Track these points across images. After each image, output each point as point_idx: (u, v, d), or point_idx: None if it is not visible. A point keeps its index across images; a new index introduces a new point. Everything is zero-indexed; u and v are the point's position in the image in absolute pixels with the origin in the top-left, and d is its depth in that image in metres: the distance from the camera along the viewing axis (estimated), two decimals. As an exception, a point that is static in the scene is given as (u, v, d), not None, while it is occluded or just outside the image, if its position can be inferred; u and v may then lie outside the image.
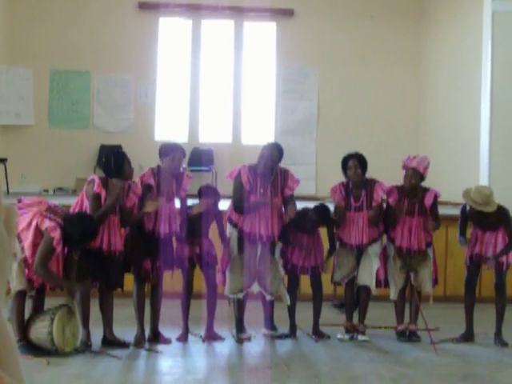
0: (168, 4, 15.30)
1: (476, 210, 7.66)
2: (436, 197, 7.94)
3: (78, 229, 6.67)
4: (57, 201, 7.66)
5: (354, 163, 7.90)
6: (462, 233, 8.00)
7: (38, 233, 6.70)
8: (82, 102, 15.21)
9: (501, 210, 7.76)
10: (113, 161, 7.20)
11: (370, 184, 7.94)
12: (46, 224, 6.66)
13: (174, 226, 7.45)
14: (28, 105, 14.99)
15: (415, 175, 7.84)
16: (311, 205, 8.04)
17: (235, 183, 7.69)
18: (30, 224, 6.73)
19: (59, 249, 6.66)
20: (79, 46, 15.17)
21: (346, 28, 15.93)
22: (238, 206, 7.62)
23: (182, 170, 7.77)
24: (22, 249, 6.70)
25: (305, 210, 7.89)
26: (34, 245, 6.68)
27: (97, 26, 15.29)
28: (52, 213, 6.77)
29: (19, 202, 7.05)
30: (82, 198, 7.16)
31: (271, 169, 7.62)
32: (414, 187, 7.86)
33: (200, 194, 7.75)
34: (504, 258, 7.81)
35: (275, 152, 7.66)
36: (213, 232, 7.80)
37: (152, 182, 7.37)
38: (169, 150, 7.48)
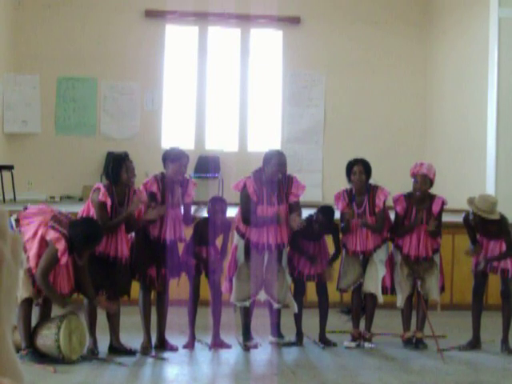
0: (174, 11, 15.33)
1: (480, 217, 7.67)
2: (443, 204, 7.94)
3: (81, 231, 6.68)
4: (63, 208, 7.68)
5: (359, 169, 7.91)
6: (473, 241, 7.98)
7: (44, 243, 6.69)
8: (89, 109, 15.24)
9: (502, 219, 7.77)
10: (111, 166, 7.22)
11: (373, 190, 7.95)
12: (51, 235, 6.66)
13: (179, 233, 7.45)
14: (35, 112, 15.01)
15: (426, 181, 7.87)
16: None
17: (242, 195, 7.69)
18: (35, 234, 6.72)
19: (64, 260, 6.64)
20: (86, 53, 15.21)
21: (352, 35, 15.95)
22: (246, 218, 7.63)
23: (188, 177, 7.79)
24: (27, 259, 6.70)
25: (310, 218, 7.89)
26: (39, 255, 6.67)
27: (103, 34, 15.33)
28: (57, 223, 6.75)
29: (25, 209, 7.05)
30: (89, 205, 7.17)
31: (281, 177, 7.62)
32: (424, 194, 7.87)
33: (209, 205, 7.76)
34: (509, 266, 7.81)
35: (284, 158, 7.67)
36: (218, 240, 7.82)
37: (155, 189, 7.37)
38: (174, 157, 7.48)
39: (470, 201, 7.76)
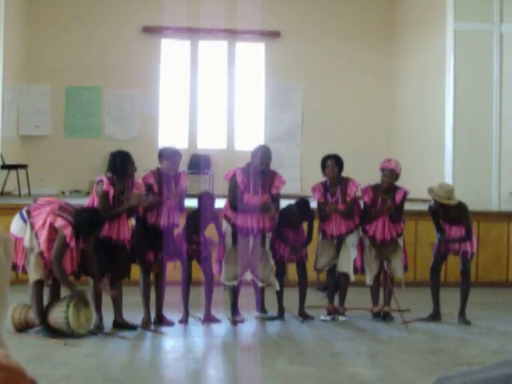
0: (169, 27, 15.27)
1: (439, 204, 7.67)
2: (405, 194, 7.94)
3: (86, 218, 6.64)
4: (72, 201, 7.63)
5: (332, 162, 7.91)
6: (439, 229, 7.96)
7: (52, 230, 6.65)
8: (94, 115, 15.18)
9: (461, 205, 7.78)
10: (119, 161, 7.17)
11: (345, 182, 7.94)
12: (59, 222, 6.62)
13: (173, 219, 7.41)
14: (46, 117, 14.95)
15: (393, 175, 7.87)
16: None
17: (230, 183, 7.68)
18: (44, 222, 6.69)
19: (72, 244, 6.61)
20: (91, 65, 15.15)
21: (326, 48, 15.95)
22: (233, 204, 7.61)
23: (182, 172, 7.75)
24: (39, 244, 6.66)
25: (288, 207, 7.87)
26: (49, 240, 6.63)
27: (107, 47, 15.27)
28: (64, 211, 6.72)
29: (35, 201, 7.01)
30: (93, 196, 7.13)
31: (265, 168, 7.60)
32: (390, 186, 7.87)
33: (199, 199, 7.75)
34: (469, 248, 7.81)
35: (268, 152, 7.67)
36: (209, 230, 7.78)
37: (152, 181, 7.35)
38: (168, 155, 7.46)
39: (430, 190, 7.77)
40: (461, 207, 7.76)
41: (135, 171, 7.28)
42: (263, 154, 7.60)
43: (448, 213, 7.77)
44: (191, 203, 7.93)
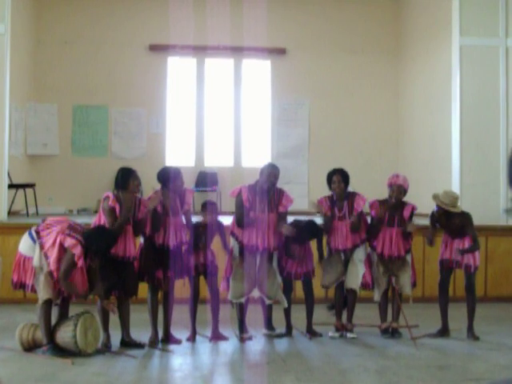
0: (175, 45, 15.38)
1: (443, 211, 7.67)
2: (413, 210, 7.94)
3: (102, 243, 6.67)
4: (80, 220, 7.67)
5: (338, 178, 7.92)
6: (432, 235, 7.94)
7: (62, 249, 6.68)
8: (101, 133, 15.28)
9: (464, 214, 7.78)
10: (120, 176, 7.22)
11: (352, 196, 7.95)
12: (68, 242, 6.65)
13: (181, 237, 7.44)
14: (53, 136, 15.04)
15: (401, 191, 7.86)
16: (303, 218, 8.00)
17: (237, 201, 7.69)
18: (54, 242, 6.71)
19: (81, 263, 6.62)
20: (98, 84, 15.26)
21: (332, 63, 16.02)
22: (239, 221, 7.63)
23: (187, 189, 7.76)
24: (49, 264, 6.69)
25: (296, 222, 7.84)
26: (59, 259, 6.65)
27: (113, 66, 15.37)
28: (73, 230, 6.76)
29: (43, 221, 7.04)
30: (100, 214, 7.16)
31: (271, 186, 7.62)
32: (398, 201, 7.87)
33: (203, 207, 7.77)
34: (472, 262, 7.80)
35: (275, 170, 7.69)
36: (215, 244, 7.80)
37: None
38: (175, 175, 7.43)
39: (435, 196, 7.77)
40: (464, 216, 7.77)
41: (139, 185, 7.29)
42: (269, 172, 7.62)
43: (450, 221, 7.77)
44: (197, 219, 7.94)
